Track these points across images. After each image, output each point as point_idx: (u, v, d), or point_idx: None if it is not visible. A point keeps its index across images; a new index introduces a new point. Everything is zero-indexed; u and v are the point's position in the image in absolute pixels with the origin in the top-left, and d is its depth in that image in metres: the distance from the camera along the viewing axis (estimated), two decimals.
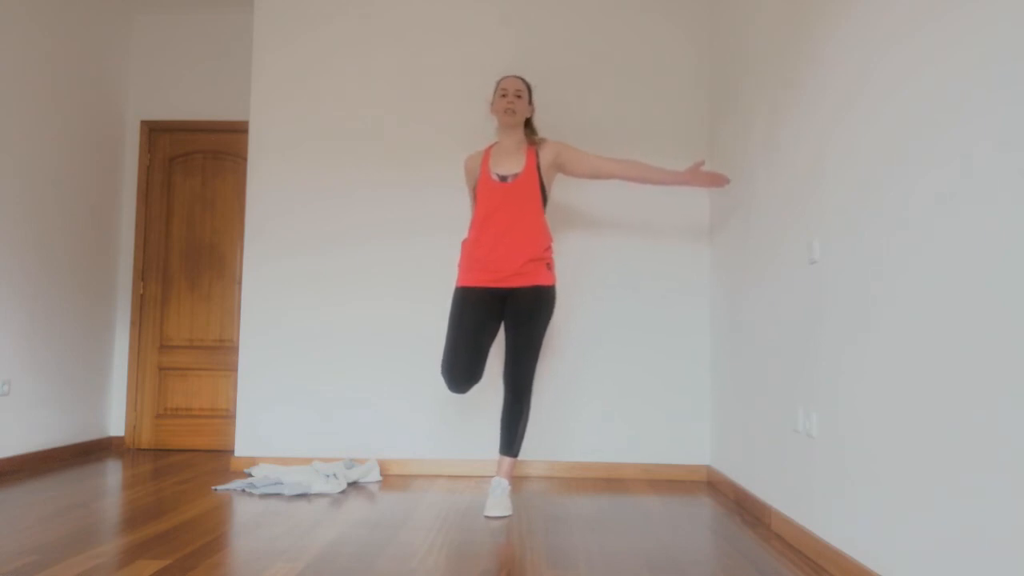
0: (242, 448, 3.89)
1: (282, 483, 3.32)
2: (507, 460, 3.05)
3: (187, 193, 4.74)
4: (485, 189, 3.10)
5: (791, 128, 2.63)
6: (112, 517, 2.77)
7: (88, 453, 4.39)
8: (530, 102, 3.17)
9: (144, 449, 4.61)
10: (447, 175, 3.91)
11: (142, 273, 4.71)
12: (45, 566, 2.15)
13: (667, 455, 3.78)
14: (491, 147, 3.20)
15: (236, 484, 3.35)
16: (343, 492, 3.33)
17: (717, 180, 3.13)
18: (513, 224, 3.03)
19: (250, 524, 2.70)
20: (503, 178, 3.08)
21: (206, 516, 2.81)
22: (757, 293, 3.00)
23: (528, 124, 3.20)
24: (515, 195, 3.05)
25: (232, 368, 4.60)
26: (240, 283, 4.59)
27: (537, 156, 3.10)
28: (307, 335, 3.91)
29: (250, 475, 3.58)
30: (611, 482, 3.65)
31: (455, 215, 3.85)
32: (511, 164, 3.10)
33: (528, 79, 3.45)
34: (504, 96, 3.10)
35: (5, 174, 3.78)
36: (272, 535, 2.55)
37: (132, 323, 4.68)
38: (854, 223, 2.12)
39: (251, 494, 3.25)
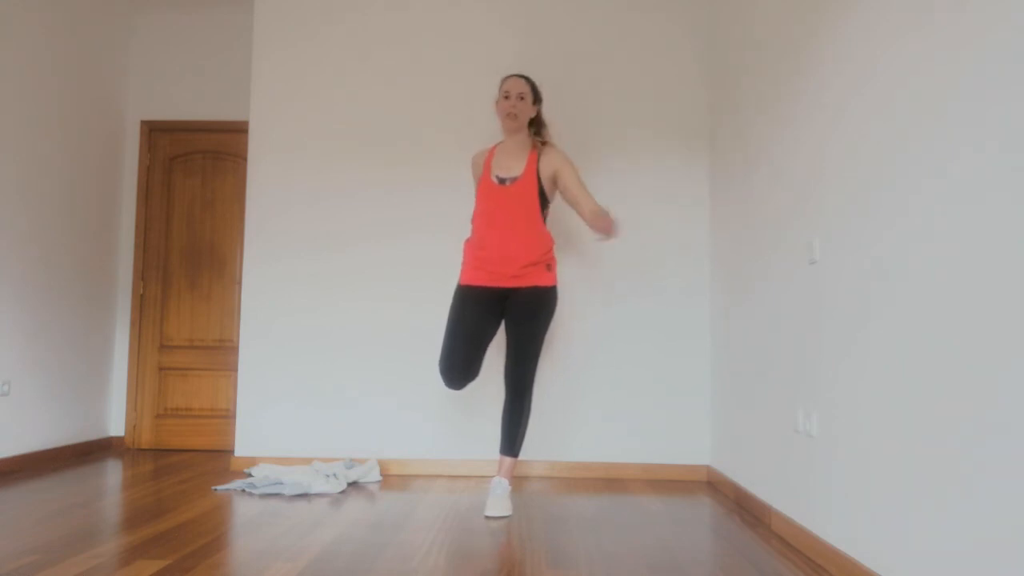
0: (242, 448, 3.89)
1: (282, 483, 3.32)
2: (507, 460, 3.05)
3: (187, 193, 4.74)
4: (484, 190, 3.09)
5: (791, 128, 2.63)
6: (112, 517, 2.77)
7: (88, 453, 4.39)
8: (535, 101, 3.12)
9: (144, 449, 4.61)
10: (447, 175, 3.91)
11: (142, 273, 4.71)
12: (45, 566, 2.15)
13: (667, 455, 3.78)
14: (496, 146, 3.19)
15: (236, 484, 3.35)
16: (343, 492, 3.33)
17: (607, 227, 2.82)
18: (510, 227, 3.01)
19: (250, 524, 2.70)
20: (502, 181, 3.06)
21: (206, 516, 2.81)
22: (757, 293, 3.00)
23: (533, 123, 3.15)
24: (512, 199, 3.03)
25: (232, 368, 4.60)
26: (240, 283, 4.59)
27: (538, 162, 3.06)
28: (307, 335, 3.91)
29: (250, 475, 3.58)
30: (611, 482, 3.65)
31: (455, 215, 3.85)
32: (512, 167, 3.08)
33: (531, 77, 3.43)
34: (507, 99, 3.06)
35: (5, 174, 3.78)
36: (272, 535, 2.55)
37: (132, 323, 4.68)
38: (854, 223, 2.12)
39: (251, 494, 3.25)
